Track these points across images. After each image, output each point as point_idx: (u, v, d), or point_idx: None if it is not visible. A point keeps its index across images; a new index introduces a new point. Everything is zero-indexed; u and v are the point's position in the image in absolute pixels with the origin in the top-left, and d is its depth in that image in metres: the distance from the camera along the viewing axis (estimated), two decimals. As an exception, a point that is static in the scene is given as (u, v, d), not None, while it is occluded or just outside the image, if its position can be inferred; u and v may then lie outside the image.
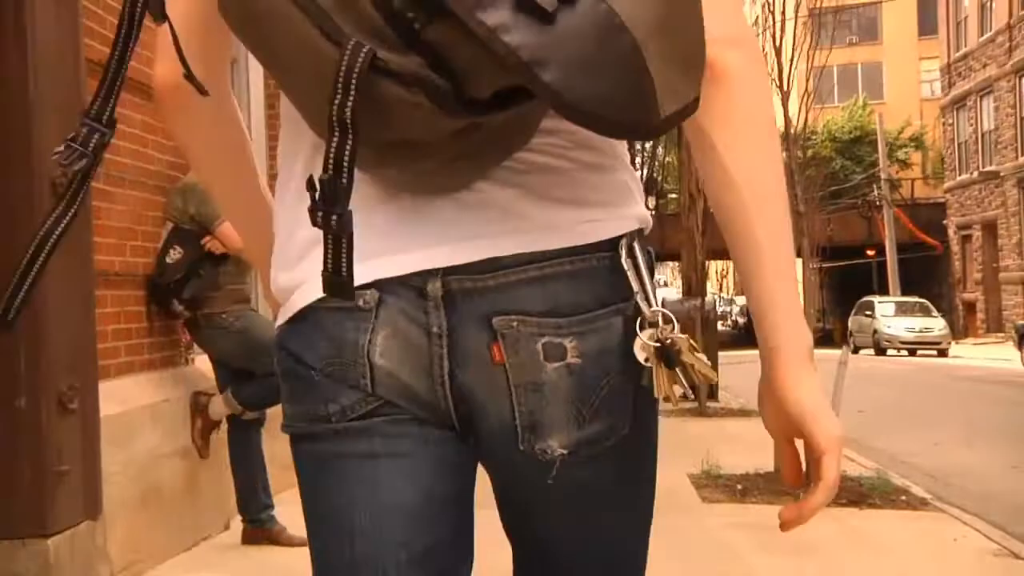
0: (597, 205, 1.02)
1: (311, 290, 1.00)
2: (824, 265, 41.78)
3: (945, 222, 31.57)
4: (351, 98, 0.81)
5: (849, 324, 27.66)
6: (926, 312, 25.89)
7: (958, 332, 27.99)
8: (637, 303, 1.00)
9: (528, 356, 0.99)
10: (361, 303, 0.99)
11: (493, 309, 0.99)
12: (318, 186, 0.84)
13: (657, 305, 0.99)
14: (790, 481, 1.05)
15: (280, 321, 1.06)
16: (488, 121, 0.87)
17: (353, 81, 0.81)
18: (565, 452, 1.01)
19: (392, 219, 0.99)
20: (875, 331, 25.46)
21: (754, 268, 1.00)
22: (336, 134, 0.83)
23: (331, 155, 0.84)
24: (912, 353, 24.10)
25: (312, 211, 0.85)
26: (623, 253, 1.01)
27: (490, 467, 1.09)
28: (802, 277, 5.75)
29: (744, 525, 4.72)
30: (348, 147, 0.83)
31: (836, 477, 0.98)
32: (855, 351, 27.74)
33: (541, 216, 1.00)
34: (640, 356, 0.98)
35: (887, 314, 25.59)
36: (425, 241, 0.99)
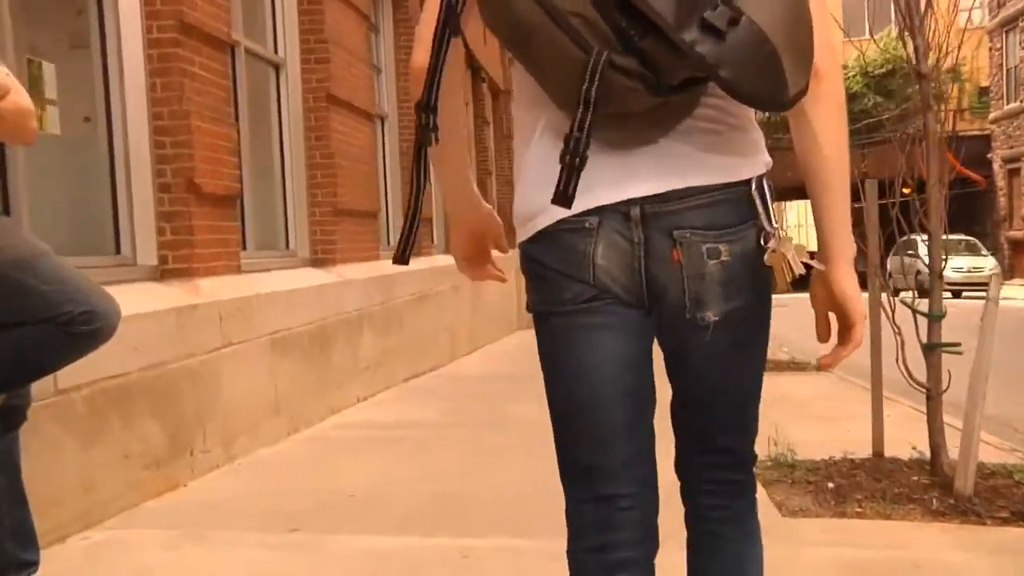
0: (739, 154, 1.52)
1: (551, 215, 1.49)
2: (856, 205, 41.76)
3: (990, 156, 30.71)
4: (595, 84, 1.28)
5: (887, 265, 27.00)
6: (974, 251, 25.03)
7: (1004, 272, 27.30)
8: (764, 222, 1.51)
9: (696, 256, 1.49)
10: (587, 224, 1.49)
11: (673, 225, 1.48)
12: (570, 141, 1.32)
13: (775, 223, 1.51)
14: (824, 339, 1.61)
15: (522, 239, 1.56)
16: (674, 99, 1.36)
17: (597, 74, 1.28)
18: (716, 319, 1.53)
19: (608, 164, 1.47)
20: (918, 272, 24.66)
21: (829, 203, 1.54)
22: (580, 108, 1.31)
23: (576, 121, 1.32)
24: (956, 295, 23.44)
25: (562, 156, 1.33)
26: (756, 187, 1.51)
27: (663, 333, 1.59)
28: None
29: (861, 565, 3.30)
30: (589, 116, 1.31)
31: (861, 338, 1.56)
32: (895, 294, 27.26)
33: (704, 162, 1.49)
34: (765, 257, 1.51)
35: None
36: (628, 180, 1.47)
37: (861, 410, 6.44)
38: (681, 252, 1.49)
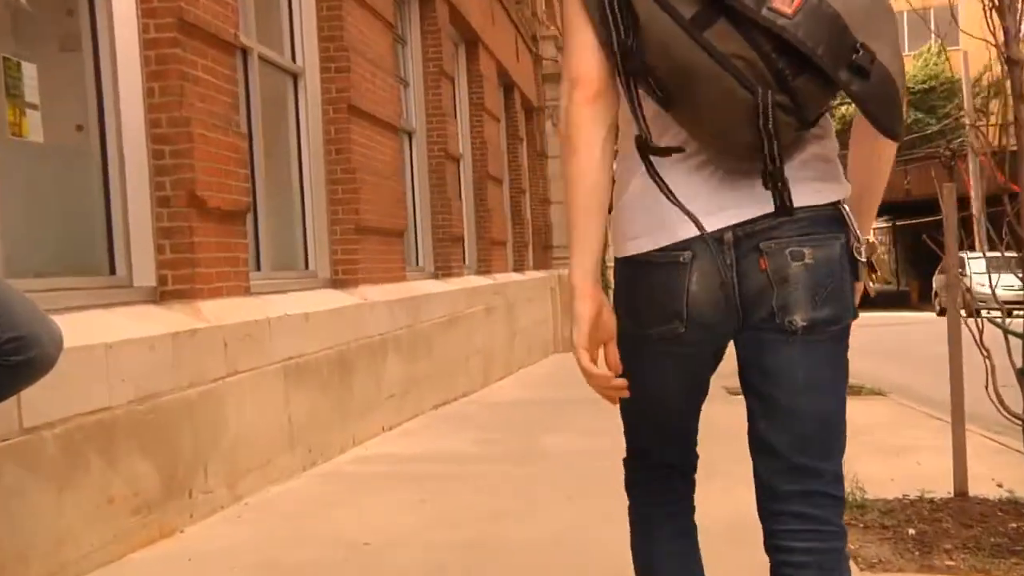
0: (827, 180, 1.67)
1: (647, 243, 1.63)
2: (898, 223, 40.96)
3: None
4: (770, 120, 1.48)
5: (934, 283, 26.32)
6: (1026, 268, 24.28)
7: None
8: (854, 233, 1.66)
9: (780, 259, 1.60)
10: (681, 259, 1.62)
11: (761, 240, 1.61)
12: (769, 170, 1.54)
13: (863, 237, 1.67)
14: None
15: (619, 255, 1.69)
16: (806, 132, 1.61)
17: (770, 109, 1.48)
18: (805, 324, 1.61)
19: (709, 198, 1.63)
20: (967, 289, 23.93)
21: (867, 208, 1.80)
22: (766, 142, 1.50)
23: (768, 153, 1.51)
24: (1008, 314, 22.58)
25: (764, 182, 1.56)
26: (843, 207, 1.67)
27: (748, 345, 1.68)
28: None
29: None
30: (775, 146, 1.51)
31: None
32: (941, 314, 26.80)
33: (806, 188, 1.62)
34: (862, 251, 1.66)
35: (981, 270, 23.99)
36: (720, 211, 1.61)
37: (927, 440, 5.89)
38: (767, 260, 1.60)
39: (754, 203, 1.59)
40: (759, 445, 1.71)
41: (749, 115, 1.47)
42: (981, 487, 4.21)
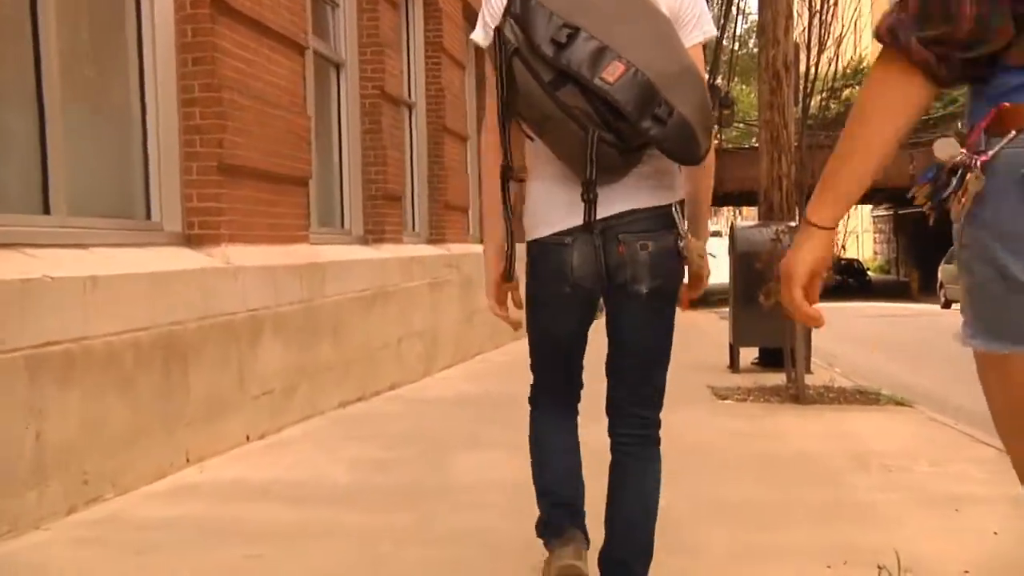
0: (666, 188, 2.37)
1: (547, 229, 2.37)
2: (900, 212, 39.18)
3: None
4: (594, 149, 2.17)
5: (939, 274, 24.74)
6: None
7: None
8: (680, 229, 2.36)
9: (632, 248, 2.31)
10: (566, 241, 2.34)
11: (620, 232, 2.32)
12: (587, 185, 2.23)
13: (685, 231, 2.37)
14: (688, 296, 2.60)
15: (529, 239, 2.42)
16: (631, 157, 2.25)
17: (594, 144, 2.17)
18: (645, 291, 2.34)
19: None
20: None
21: (697, 213, 2.53)
22: (589, 165, 2.19)
23: (587, 172, 2.21)
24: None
25: (583, 195, 2.24)
26: (675, 208, 2.37)
27: (610, 302, 2.42)
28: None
29: None
30: (595, 170, 2.20)
31: (704, 284, 2.60)
32: (946, 305, 25.15)
33: (645, 194, 2.34)
34: (681, 245, 2.36)
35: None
36: (601, 207, 2.28)
37: (984, 480, 4.25)
38: (624, 247, 2.32)
39: (612, 205, 2.31)
40: (611, 369, 2.49)
41: (582, 146, 2.19)
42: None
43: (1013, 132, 1.36)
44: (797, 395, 6.74)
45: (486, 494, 3.90)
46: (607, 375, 2.47)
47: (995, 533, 3.34)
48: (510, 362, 9.91)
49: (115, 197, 4.63)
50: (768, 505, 3.79)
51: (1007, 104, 1.37)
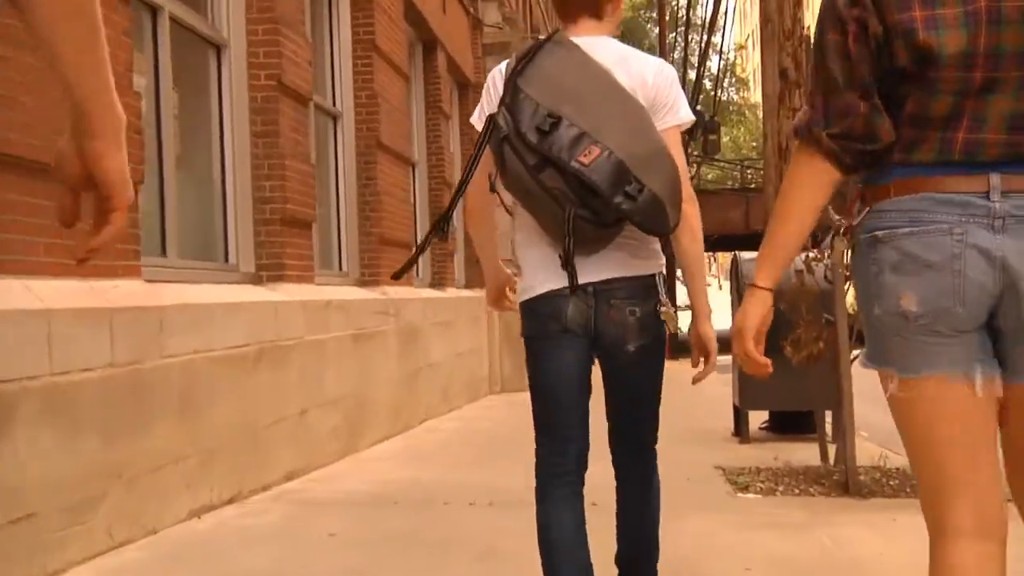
0: (645, 259, 2.57)
1: (544, 288, 2.55)
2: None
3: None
4: (571, 224, 2.38)
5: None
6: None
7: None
8: (660, 297, 2.57)
9: (621, 314, 2.54)
10: (564, 294, 2.51)
11: (611, 297, 2.53)
12: (567, 254, 2.40)
13: (665, 298, 2.59)
14: (696, 364, 2.75)
15: (523, 299, 2.61)
16: (608, 231, 2.44)
17: (571, 219, 2.38)
18: (633, 348, 2.55)
19: (578, 265, 2.43)
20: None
21: (693, 284, 2.69)
22: (567, 237, 2.38)
23: (566, 244, 2.39)
24: None
25: (563, 264, 2.40)
26: (657, 278, 2.59)
27: (604, 360, 2.62)
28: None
29: None
30: (572, 240, 2.38)
31: (715, 362, 2.73)
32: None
33: (628, 263, 2.54)
34: (661, 312, 2.58)
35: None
36: (587, 273, 2.47)
37: None
38: (613, 312, 2.54)
39: (604, 271, 2.53)
40: (610, 418, 2.71)
41: (559, 222, 2.40)
42: None
43: (867, 208, 1.85)
44: (846, 483, 4.85)
45: None
46: (607, 417, 2.72)
47: None
48: (462, 430, 7.99)
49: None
50: None
51: (868, 185, 1.86)
